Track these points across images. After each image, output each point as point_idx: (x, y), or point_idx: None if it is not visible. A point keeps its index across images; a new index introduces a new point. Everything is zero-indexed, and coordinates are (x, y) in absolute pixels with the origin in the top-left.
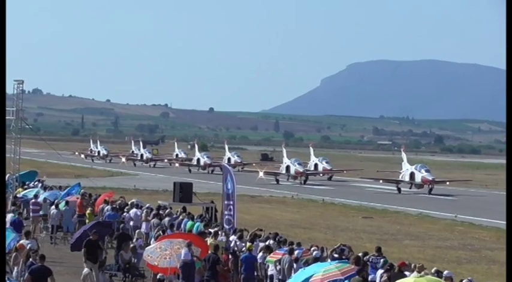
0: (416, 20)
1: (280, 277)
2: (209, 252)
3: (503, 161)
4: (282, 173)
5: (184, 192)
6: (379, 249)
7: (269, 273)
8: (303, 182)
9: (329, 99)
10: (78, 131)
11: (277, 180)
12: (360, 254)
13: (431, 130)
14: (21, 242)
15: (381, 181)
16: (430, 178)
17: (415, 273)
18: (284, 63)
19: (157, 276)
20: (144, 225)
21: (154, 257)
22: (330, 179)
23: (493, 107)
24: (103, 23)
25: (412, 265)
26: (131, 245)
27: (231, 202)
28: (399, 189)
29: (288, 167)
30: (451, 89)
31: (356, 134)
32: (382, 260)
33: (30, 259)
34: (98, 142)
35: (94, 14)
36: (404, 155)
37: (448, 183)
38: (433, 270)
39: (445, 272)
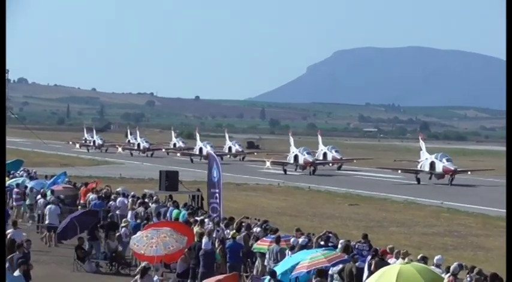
0: (402, 6)
1: (270, 267)
2: (195, 240)
3: (489, 147)
4: (290, 163)
5: (170, 180)
6: (365, 236)
7: (256, 263)
8: (311, 172)
9: (315, 86)
10: (64, 120)
11: (285, 170)
12: (343, 241)
13: (417, 117)
14: (7, 231)
15: (399, 171)
16: (452, 168)
17: (400, 260)
18: (270, 50)
19: (143, 265)
20: (129, 213)
21: (140, 246)
22: (339, 168)
23: (479, 94)
24: (88, 11)
25: (396, 251)
26: (117, 234)
27: (217, 190)
28: (418, 180)
29: (296, 157)
30: (437, 76)
31: (342, 121)
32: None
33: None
34: (94, 131)
35: (79, 2)
36: (422, 144)
37: (469, 172)
38: (419, 257)
39: (436, 258)
